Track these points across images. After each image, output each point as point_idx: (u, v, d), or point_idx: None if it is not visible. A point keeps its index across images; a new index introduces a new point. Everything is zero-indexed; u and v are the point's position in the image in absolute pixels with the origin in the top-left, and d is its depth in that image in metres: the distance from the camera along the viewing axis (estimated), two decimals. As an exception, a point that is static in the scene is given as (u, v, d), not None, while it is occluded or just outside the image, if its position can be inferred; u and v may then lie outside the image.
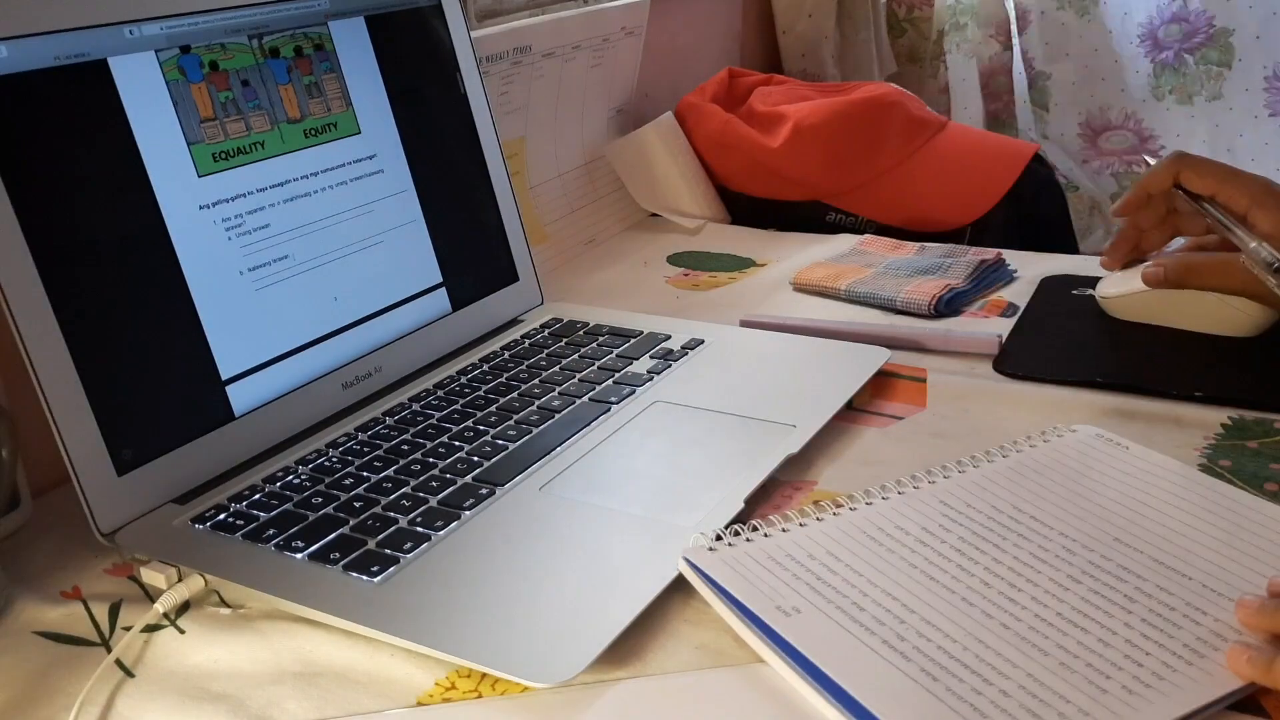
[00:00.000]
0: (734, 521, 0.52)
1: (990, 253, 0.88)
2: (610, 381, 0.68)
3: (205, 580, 0.52)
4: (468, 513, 0.54)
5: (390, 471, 0.59)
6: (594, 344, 0.74)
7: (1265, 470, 0.56)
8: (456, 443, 0.61)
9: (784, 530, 0.51)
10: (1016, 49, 1.71)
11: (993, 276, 0.86)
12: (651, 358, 0.71)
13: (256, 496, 0.57)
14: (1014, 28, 1.72)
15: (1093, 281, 0.79)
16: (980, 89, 1.73)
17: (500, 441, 0.61)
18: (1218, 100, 1.63)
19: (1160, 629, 0.44)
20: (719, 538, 0.50)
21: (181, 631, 0.50)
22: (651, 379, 0.68)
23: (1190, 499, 0.52)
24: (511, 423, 0.64)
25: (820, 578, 0.48)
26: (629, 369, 0.70)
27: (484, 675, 0.45)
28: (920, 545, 0.50)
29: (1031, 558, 0.49)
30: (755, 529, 0.51)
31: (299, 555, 0.52)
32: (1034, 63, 1.72)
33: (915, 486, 0.55)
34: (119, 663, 0.48)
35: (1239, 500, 0.52)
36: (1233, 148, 1.63)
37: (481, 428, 0.63)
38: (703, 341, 0.74)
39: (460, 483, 0.57)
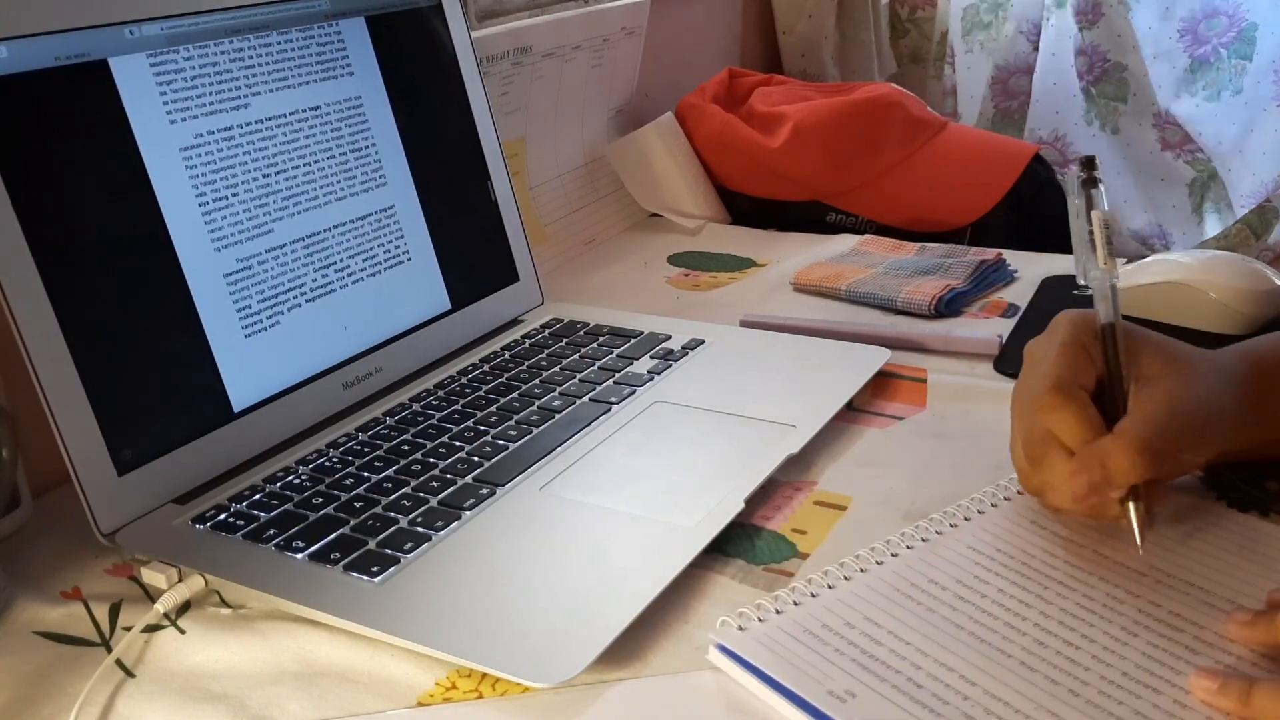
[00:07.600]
0: (734, 521, 0.52)
1: (990, 253, 0.88)
2: (610, 382, 0.68)
3: (205, 580, 0.52)
4: (468, 513, 0.54)
5: (391, 472, 0.59)
6: (594, 344, 0.74)
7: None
8: (457, 443, 0.61)
9: (813, 596, 0.47)
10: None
11: (993, 277, 0.86)
12: (652, 358, 0.71)
13: (257, 496, 0.57)
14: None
15: (1093, 281, 0.79)
16: (989, 87, 1.73)
17: (500, 442, 0.61)
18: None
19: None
20: (744, 614, 0.46)
21: (182, 631, 0.50)
22: (652, 379, 0.68)
23: (1216, 528, 0.50)
24: (512, 423, 0.64)
25: (866, 651, 0.44)
26: (629, 369, 0.70)
27: (484, 675, 0.45)
28: (960, 601, 0.46)
29: (1079, 609, 0.45)
30: (778, 599, 0.47)
31: (299, 555, 0.52)
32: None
33: (938, 532, 0.51)
34: (119, 663, 0.48)
35: (1274, 535, 0.49)
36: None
37: (482, 428, 0.63)
38: (703, 341, 0.73)
39: (460, 483, 0.57)
